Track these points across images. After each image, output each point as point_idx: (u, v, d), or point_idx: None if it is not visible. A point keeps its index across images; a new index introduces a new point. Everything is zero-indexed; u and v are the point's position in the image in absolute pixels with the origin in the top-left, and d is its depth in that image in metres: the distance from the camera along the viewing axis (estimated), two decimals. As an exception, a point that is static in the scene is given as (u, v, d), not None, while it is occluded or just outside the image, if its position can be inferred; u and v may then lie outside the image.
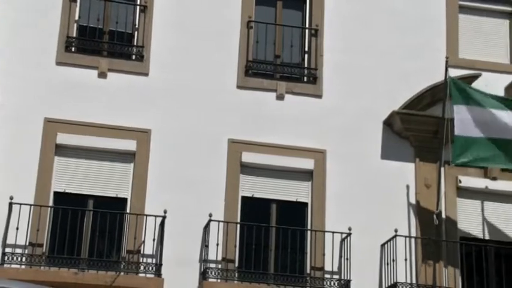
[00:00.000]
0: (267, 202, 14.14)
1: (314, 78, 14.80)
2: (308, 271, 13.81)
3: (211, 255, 13.42)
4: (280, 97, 14.57)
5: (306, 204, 14.21)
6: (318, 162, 14.32)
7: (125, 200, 13.71)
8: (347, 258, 13.57)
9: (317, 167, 14.30)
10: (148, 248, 13.30)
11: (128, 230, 13.33)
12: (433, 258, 13.93)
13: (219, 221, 13.44)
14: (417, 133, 14.50)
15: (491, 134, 13.48)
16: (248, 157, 14.14)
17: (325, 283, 13.56)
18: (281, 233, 13.75)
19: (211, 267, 13.39)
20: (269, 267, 13.72)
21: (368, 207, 14.16)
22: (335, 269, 13.74)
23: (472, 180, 14.55)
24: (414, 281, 13.78)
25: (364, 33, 15.09)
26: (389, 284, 13.72)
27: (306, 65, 14.93)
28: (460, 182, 14.50)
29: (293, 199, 14.22)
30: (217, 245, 13.38)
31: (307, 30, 15.08)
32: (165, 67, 14.35)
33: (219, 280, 13.36)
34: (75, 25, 14.44)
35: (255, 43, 14.81)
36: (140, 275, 13.10)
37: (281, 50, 14.90)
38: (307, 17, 15.18)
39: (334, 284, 13.56)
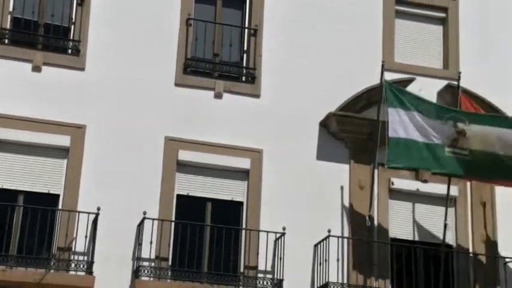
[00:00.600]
0: (203, 201, 13.80)
1: (252, 78, 14.49)
2: (242, 270, 13.50)
3: (145, 254, 12.99)
4: (218, 96, 14.20)
5: (241, 203, 13.92)
6: (254, 162, 14.02)
7: (57, 196, 13.17)
8: (280, 258, 13.34)
9: (253, 166, 14.01)
10: (80, 245, 12.79)
11: (59, 226, 12.80)
12: (365, 258, 13.74)
13: (153, 219, 13.00)
14: (352, 135, 14.33)
15: (424, 138, 13.41)
16: (184, 155, 13.75)
17: (258, 282, 13.28)
18: (216, 231, 13.44)
19: (144, 266, 12.95)
20: (203, 265, 13.39)
21: (302, 207, 13.93)
22: (268, 268, 13.49)
23: (404, 183, 14.44)
24: (346, 281, 13.57)
25: (303, 35, 14.85)
26: (321, 283, 13.53)
27: (244, 65, 14.65)
28: (393, 184, 14.37)
29: (228, 198, 13.90)
30: (151, 243, 12.93)
31: (246, 30, 14.75)
32: (101, 62, 13.84)
33: (151, 278, 12.94)
34: (9, 16, 13.81)
35: (193, 41, 14.43)
36: (71, 272, 12.61)
37: (220, 49, 14.56)
38: (246, 16, 14.88)
39: (267, 283, 13.30)
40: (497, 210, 14.56)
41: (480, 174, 13.72)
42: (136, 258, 12.99)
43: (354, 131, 14.28)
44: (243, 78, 14.52)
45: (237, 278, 13.33)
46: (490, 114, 14.00)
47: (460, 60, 15.22)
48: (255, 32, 14.66)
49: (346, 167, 14.26)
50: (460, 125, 13.40)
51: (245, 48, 14.67)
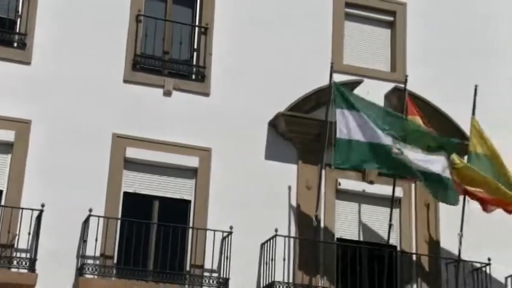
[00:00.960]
0: (150, 199, 13.42)
1: (202, 76, 14.16)
2: (188, 269, 13.14)
3: (89, 251, 12.58)
4: (167, 93, 13.84)
5: (189, 202, 13.58)
6: (203, 161, 13.71)
7: (0, 192, 12.65)
8: (227, 257, 13.06)
9: (202, 165, 13.70)
10: (23, 242, 12.25)
11: (1, 223, 12.27)
12: (311, 258, 13.55)
13: (99, 216, 12.56)
14: (301, 135, 14.13)
15: (370, 139, 13.29)
16: (132, 152, 13.38)
17: (204, 281, 12.97)
18: (162, 230, 13.09)
19: (89, 263, 12.52)
20: (148, 264, 13.01)
21: (250, 206, 13.66)
22: (215, 267, 13.19)
23: (351, 183, 14.30)
24: (291, 281, 13.39)
25: (254, 34, 14.57)
26: (267, 283, 13.29)
27: (194, 63, 14.32)
28: (340, 184, 14.23)
29: (176, 196, 13.54)
30: (96, 240, 12.51)
31: (197, 28, 14.42)
32: (48, 56, 13.36)
33: (96, 277, 12.50)
34: None
35: (143, 37, 14.03)
36: (13, 269, 12.10)
37: (170, 46, 14.20)
38: (197, 14, 14.56)
39: (212, 282, 13.03)
40: (440, 211, 14.50)
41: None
42: (81, 255, 12.57)
43: (302, 132, 14.08)
44: (193, 77, 14.18)
45: (182, 277, 13.01)
46: (428, 133, 13.71)
47: (407, 64, 15.13)
48: (206, 31, 14.34)
49: (294, 167, 14.04)
50: (396, 145, 13.22)
51: (195, 47, 14.34)
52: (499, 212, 13.80)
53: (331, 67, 13.78)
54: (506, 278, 14.27)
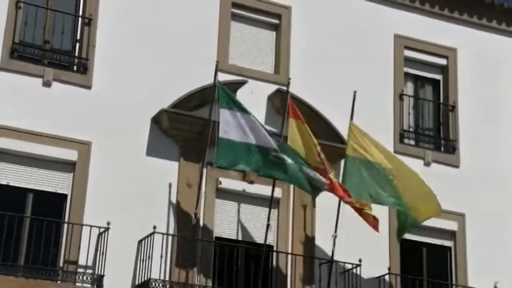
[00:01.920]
0: (23, 191, 12.40)
1: (84, 68, 13.26)
2: (61, 264, 12.14)
3: (-44, 245, 11.39)
4: (46, 84, 12.85)
5: (65, 196, 12.64)
6: (82, 154, 12.83)
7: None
8: (103, 253, 12.23)
9: (80, 158, 12.81)
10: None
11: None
12: (189, 256, 12.98)
13: (-33, 208, 11.41)
14: (184, 133, 13.50)
15: (252, 140, 12.91)
16: (5, 143, 12.36)
17: (77, 277, 12.10)
18: (36, 224, 12.08)
19: (-46, 257, 11.33)
20: (20, 259, 11.98)
21: (129, 202, 12.89)
22: (90, 263, 12.27)
23: (232, 183, 13.78)
24: (168, 278, 12.73)
25: (139, 28, 13.78)
26: (143, 280, 12.55)
27: (76, 54, 13.38)
28: (220, 183, 13.70)
29: (52, 190, 12.55)
30: (-37, 234, 11.35)
31: (80, 19, 13.48)
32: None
33: (-40, 270, 11.33)
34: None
35: (22, 25, 12.98)
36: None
37: (51, 36, 13.22)
38: (81, 4, 13.64)
39: (86, 278, 12.19)
40: (317, 213, 14.16)
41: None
42: None
43: (185, 129, 13.44)
44: (74, 68, 13.26)
45: (55, 273, 12.06)
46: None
47: (291, 67, 14.72)
48: (90, 22, 13.42)
49: (175, 164, 13.36)
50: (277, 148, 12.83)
51: (78, 37, 13.42)
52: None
53: (216, 66, 13.23)
54: (376, 279, 14.08)
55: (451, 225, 14.85)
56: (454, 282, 14.65)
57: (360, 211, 13.25)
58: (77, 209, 12.51)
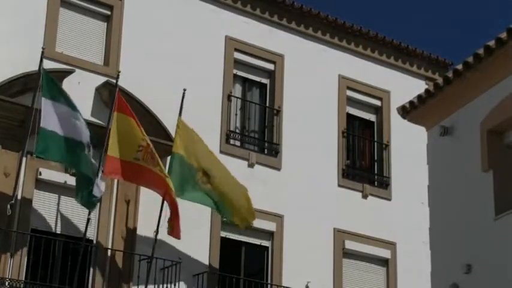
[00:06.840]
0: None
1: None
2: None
3: None
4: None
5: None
6: None
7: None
8: None
9: None
10: None
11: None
12: (2, 248, 12.38)
13: None
14: (3, 120, 12.85)
15: (70, 134, 12.53)
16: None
17: None
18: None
19: None
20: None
21: None
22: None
23: (52, 174, 13.26)
24: None
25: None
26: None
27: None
28: (41, 174, 13.18)
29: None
30: None
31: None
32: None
33: None
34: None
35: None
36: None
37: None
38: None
39: None
40: (140, 208, 13.98)
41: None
42: None
43: (5, 116, 12.80)
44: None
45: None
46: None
47: (122, 60, 14.40)
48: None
49: (-7, 152, 12.67)
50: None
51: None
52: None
53: (42, 53, 12.68)
54: (194, 276, 14.18)
55: (270, 225, 15.22)
56: (269, 281, 15.02)
57: (176, 211, 13.14)
58: None
